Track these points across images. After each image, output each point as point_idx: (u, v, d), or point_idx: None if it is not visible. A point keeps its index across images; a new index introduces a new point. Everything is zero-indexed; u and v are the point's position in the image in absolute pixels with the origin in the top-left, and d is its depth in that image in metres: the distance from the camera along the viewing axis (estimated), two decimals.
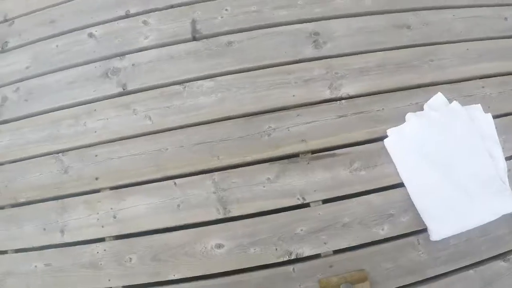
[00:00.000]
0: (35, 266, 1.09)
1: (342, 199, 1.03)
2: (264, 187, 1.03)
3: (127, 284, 1.03)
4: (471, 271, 1.00)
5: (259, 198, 1.03)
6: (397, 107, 1.08)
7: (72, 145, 1.13)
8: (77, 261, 1.06)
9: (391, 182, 1.03)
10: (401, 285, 1.00)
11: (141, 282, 1.04)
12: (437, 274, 1.01)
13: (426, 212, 1.00)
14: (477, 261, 1.01)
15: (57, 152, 1.14)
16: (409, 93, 1.10)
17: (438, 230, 1.00)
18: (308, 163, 1.04)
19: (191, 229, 1.03)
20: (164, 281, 1.02)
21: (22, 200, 1.14)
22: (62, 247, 1.09)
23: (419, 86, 1.10)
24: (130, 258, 1.03)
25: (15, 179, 1.16)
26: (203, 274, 1.01)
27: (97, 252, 1.05)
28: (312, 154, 1.05)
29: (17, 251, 1.12)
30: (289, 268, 1.00)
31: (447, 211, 0.99)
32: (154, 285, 1.04)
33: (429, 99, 1.09)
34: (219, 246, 1.02)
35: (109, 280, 1.04)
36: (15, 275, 1.11)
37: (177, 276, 1.02)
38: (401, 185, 1.03)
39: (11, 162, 1.18)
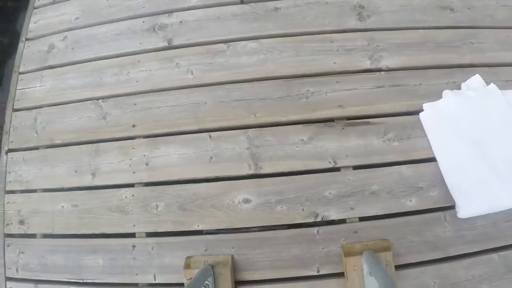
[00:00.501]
0: (62, 206, 1.03)
1: (373, 167, 0.94)
2: (297, 147, 0.95)
3: (151, 231, 0.96)
4: (494, 255, 0.91)
5: (290, 158, 0.94)
6: (434, 84, 0.99)
7: (113, 92, 1.07)
8: (104, 204, 1.00)
9: (423, 156, 0.94)
10: (423, 260, 0.91)
11: (165, 230, 0.96)
12: (460, 253, 0.92)
13: (456, 188, 0.90)
14: (502, 245, 0.92)
15: (97, 99, 1.07)
16: (447, 71, 1.01)
17: (466, 208, 0.90)
18: (343, 128, 0.95)
19: (221, 182, 0.96)
20: (188, 230, 0.95)
21: (58, 141, 1.08)
22: (91, 189, 1.02)
23: (457, 66, 1.01)
24: (157, 205, 0.96)
25: (53, 121, 1.10)
26: (228, 227, 0.94)
27: (125, 197, 0.98)
28: (347, 120, 0.96)
29: (46, 190, 1.06)
30: (314, 230, 0.92)
31: (478, 190, 0.90)
32: (178, 234, 0.96)
33: (467, 79, 0.99)
34: (247, 201, 0.94)
35: (134, 226, 0.97)
36: (41, 213, 1.05)
37: (201, 227, 0.94)
38: (432, 160, 0.94)
39: (51, 105, 1.12)
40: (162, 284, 0.96)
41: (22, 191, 1.10)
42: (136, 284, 0.98)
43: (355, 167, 0.95)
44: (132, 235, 0.98)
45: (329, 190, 0.93)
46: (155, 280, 0.96)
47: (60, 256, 1.03)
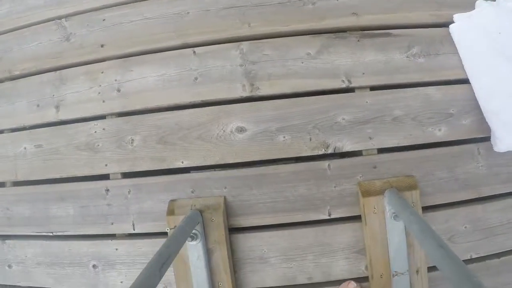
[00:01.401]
0: (25, 148, 0.72)
1: (395, 88, 0.65)
2: (302, 63, 0.64)
3: (127, 171, 0.67)
4: None
5: (295, 76, 0.64)
6: None
7: (77, 9, 0.73)
8: (71, 141, 0.69)
9: (454, 76, 0.65)
10: (453, 201, 0.64)
11: (143, 169, 0.66)
12: (494, 193, 0.65)
13: (494, 116, 0.63)
14: None
15: (60, 18, 0.74)
16: None
17: (505, 140, 0.62)
18: (358, 40, 0.65)
19: (209, 107, 0.65)
20: (170, 168, 0.65)
21: (17, 73, 0.76)
22: (55, 125, 0.71)
23: None
24: (132, 140, 0.66)
25: (11, 49, 0.77)
26: (218, 163, 0.64)
27: (95, 132, 0.68)
28: (363, 31, 0.66)
29: (6, 131, 0.76)
30: (324, 163, 0.63)
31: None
32: (159, 173, 0.66)
33: None
34: (241, 130, 0.64)
35: (106, 165, 0.67)
36: (2, 158, 0.75)
37: (186, 164, 0.65)
38: (465, 81, 0.65)
39: (8, 31, 0.79)
40: (142, 233, 0.67)
41: None
42: (114, 235, 0.69)
43: (373, 88, 0.65)
44: (105, 176, 0.68)
45: (342, 115, 0.63)
46: (134, 229, 0.66)
47: (25, 206, 0.73)
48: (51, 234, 0.73)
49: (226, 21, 0.66)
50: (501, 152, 0.65)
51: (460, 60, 0.66)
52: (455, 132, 0.65)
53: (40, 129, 0.73)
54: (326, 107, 0.64)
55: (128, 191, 0.67)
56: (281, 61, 0.64)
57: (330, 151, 0.64)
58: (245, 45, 0.65)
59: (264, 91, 0.64)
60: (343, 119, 0.64)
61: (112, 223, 0.68)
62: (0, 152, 0.76)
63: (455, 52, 0.67)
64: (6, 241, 0.76)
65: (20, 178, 0.75)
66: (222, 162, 0.64)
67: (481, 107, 0.65)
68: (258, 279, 0.65)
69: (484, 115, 0.65)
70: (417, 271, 0.62)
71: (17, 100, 0.76)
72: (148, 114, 0.67)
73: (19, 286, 0.77)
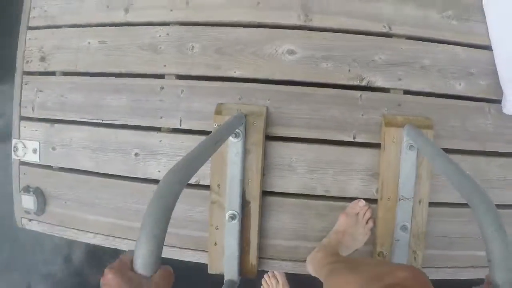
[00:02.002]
0: (89, 43, 0.81)
1: (428, 41, 0.75)
2: (352, 3, 0.74)
3: (183, 73, 0.76)
4: None
5: (343, 15, 0.74)
6: None
7: None
8: (135, 41, 0.78)
9: (480, 42, 0.75)
10: (461, 148, 0.75)
11: (198, 74, 0.76)
12: (496, 150, 0.75)
13: (508, 80, 0.72)
14: None
15: None
16: None
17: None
18: None
19: (266, 29, 0.75)
20: (223, 76, 0.75)
21: None
22: (122, 26, 0.80)
23: None
24: (193, 46, 0.75)
25: None
26: (266, 77, 0.74)
27: (159, 35, 0.77)
28: None
29: (72, 26, 0.84)
30: (357, 94, 0.74)
31: None
32: (212, 79, 0.76)
33: None
34: (291, 52, 0.74)
35: (165, 66, 0.76)
36: (65, 50, 0.84)
37: (238, 74, 0.74)
38: (488, 48, 0.75)
39: None
40: (186, 130, 0.77)
41: (46, 27, 0.86)
42: (159, 129, 0.78)
43: (409, 37, 0.75)
44: (162, 76, 0.77)
45: (379, 55, 0.73)
46: (180, 125, 0.76)
47: (80, 94, 0.82)
48: (100, 121, 0.82)
49: None
50: (509, 114, 0.76)
51: (487, 30, 0.77)
52: (472, 89, 0.76)
53: (107, 27, 0.82)
54: (366, 46, 0.74)
55: (181, 91, 0.76)
56: (334, 0, 0.75)
57: (364, 83, 0.74)
58: None
59: (316, 23, 0.74)
60: (380, 58, 0.74)
61: (161, 117, 0.77)
62: (64, 44, 0.85)
63: (484, 21, 0.77)
64: (55, 125, 0.85)
65: (80, 69, 0.83)
66: (270, 77, 0.74)
67: (498, 72, 0.76)
68: (283, 184, 0.75)
69: (500, 80, 0.75)
70: (419, 201, 0.72)
71: None
72: (211, 26, 0.76)
73: (61, 167, 0.86)
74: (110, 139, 0.81)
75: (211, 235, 0.75)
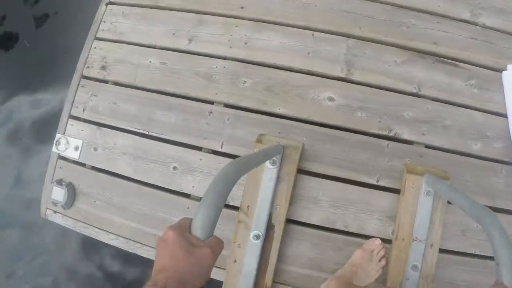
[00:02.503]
0: (150, 61, 0.92)
1: (451, 104, 0.85)
2: (389, 66, 0.86)
3: (231, 103, 0.86)
4: None
5: (381, 73, 0.85)
6: None
7: None
8: (193, 68, 0.89)
9: (496, 109, 0.86)
10: None
11: (246, 106, 0.85)
12: (505, 208, 0.83)
13: None
14: None
15: None
16: None
17: None
18: (433, 63, 0.86)
19: (312, 76, 0.86)
20: (268, 111, 0.85)
21: (162, 4, 0.97)
22: (184, 53, 0.91)
23: None
24: (245, 81, 0.86)
25: None
26: (306, 118, 0.84)
27: (216, 67, 0.88)
28: (438, 57, 0.88)
29: (138, 44, 0.95)
30: (384, 142, 0.83)
31: None
32: (258, 112, 0.85)
33: None
34: (331, 99, 0.84)
35: (216, 94, 0.86)
36: (126, 63, 0.94)
37: (281, 111, 0.84)
38: (504, 115, 0.86)
39: None
40: (226, 153, 0.86)
41: (113, 41, 0.98)
42: (200, 148, 0.87)
43: (435, 99, 0.85)
44: (212, 102, 0.87)
45: (407, 111, 0.84)
46: (221, 148, 0.85)
47: (133, 105, 0.92)
48: (146, 132, 0.90)
49: (344, 20, 0.89)
50: None
51: (504, 99, 0.88)
52: (487, 150, 0.85)
53: (169, 51, 0.93)
54: (397, 102, 0.85)
55: (228, 118, 0.86)
56: (375, 60, 0.86)
57: (391, 134, 0.83)
58: (351, 41, 0.88)
59: (356, 77, 0.86)
60: (408, 114, 0.84)
61: (204, 138, 0.86)
62: (127, 59, 0.95)
63: (502, 92, 0.88)
64: (102, 128, 0.93)
65: (138, 83, 0.93)
66: (309, 118, 0.84)
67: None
68: (307, 214, 0.82)
69: None
70: (431, 245, 0.79)
71: (156, 25, 0.96)
72: (265, 67, 0.87)
73: (98, 167, 0.93)
74: (152, 150, 0.89)
75: (232, 252, 0.81)
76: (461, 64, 0.88)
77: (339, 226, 0.82)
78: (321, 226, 0.82)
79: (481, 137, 0.85)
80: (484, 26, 0.91)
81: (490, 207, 0.86)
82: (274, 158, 0.78)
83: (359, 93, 0.84)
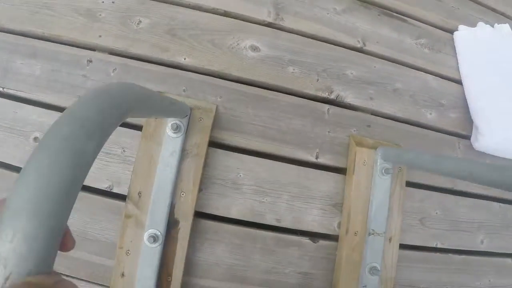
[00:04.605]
0: None
1: (401, 64, 0.72)
2: (327, 13, 0.70)
3: (119, 50, 0.62)
4: (495, 204, 0.72)
5: (318, 21, 0.69)
6: (470, 14, 0.83)
7: None
8: (72, 2, 0.64)
9: (450, 74, 0.75)
10: (430, 184, 0.68)
11: (139, 53, 0.62)
12: (465, 190, 0.71)
13: (480, 112, 0.71)
14: (506, 198, 0.73)
15: None
16: (484, 10, 0.85)
17: (485, 137, 0.70)
18: (379, 15, 0.73)
19: (230, 19, 0.66)
20: (169, 61, 0.62)
21: None
22: None
23: (493, 10, 0.86)
24: (140, 21, 0.63)
25: None
26: (221, 71, 0.63)
27: (103, 1, 0.64)
28: (384, 9, 0.75)
29: None
30: (324, 107, 0.65)
31: (503, 120, 0.71)
32: (155, 62, 0.62)
33: (498, 24, 0.85)
34: (255, 48, 0.65)
35: (100, 37, 0.62)
36: None
37: (187, 61, 0.62)
38: (458, 82, 0.75)
39: None
40: None
41: None
42: None
43: (383, 57, 0.71)
44: (93, 48, 0.62)
45: (351, 69, 0.68)
46: None
47: None
48: (1, 89, 0.62)
49: None
50: (479, 150, 0.72)
51: (457, 63, 0.77)
52: (442, 120, 0.72)
53: None
54: (338, 57, 0.68)
55: (114, 69, 0.61)
56: (310, 5, 0.69)
57: (332, 96, 0.66)
58: None
59: (287, 23, 0.67)
60: (351, 73, 0.68)
61: (79, 96, 0.61)
62: None
63: (454, 55, 0.78)
64: None
65: None
66: (225, 72, 0.63)
67: (469, 105, 0.74)
68: (223, 205, 0.59)
69: (471, 112, 0.73)
70: (390, 239, 0.62)
71: None
72: (168, 4, 0.65)
73: None
74: (6, 114, 0.61)
75: (119, 262, 0.55)
76: (409, 20, 0.76)
77: (269, 220, 0.61)
78: (244, 221, 0.60)
79: (436, 105, 0.73)
80: None
81: (449, 189, 0.74)
82: (177, 122, 0.56)
83: (291, 43, 0.66)
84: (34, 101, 0.61)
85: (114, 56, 0.62)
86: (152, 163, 0.56)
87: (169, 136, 0.56)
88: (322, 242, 0.62)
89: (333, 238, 0.63)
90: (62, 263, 0.57)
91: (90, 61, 0.62)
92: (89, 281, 0.57)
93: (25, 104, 0.61)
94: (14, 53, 0.63)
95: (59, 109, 0.61)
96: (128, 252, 0.55)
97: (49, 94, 0.61)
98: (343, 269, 0.60)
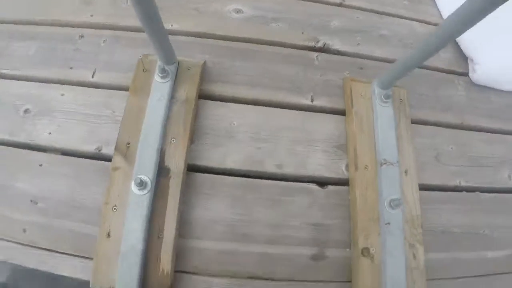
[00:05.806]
0: None
1: (383, 15, 0.73)
2: None
3: (110, 24, 0.65)
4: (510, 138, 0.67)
5: None
6: None
7: None
8: None
9: (434, 20, 0.76)
10: (438, 119, 0.65)
11: (128, 25, 0.65)
12: (477, 124, 0.66)
13: (469, 45, 0.70)
14: None
15: None
16: None
17: (480, 68, 0.68)
18: None
19: None
20: None
21: None
22: None
23: None
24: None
25: None
26: (208, 31, 0.65)
27: None
28: None
29: None
30: (313, 54, 0.66)
31: (492, 48, 0.68)
32: (143, 31, 0.57)
33: None
34: (238, 11, 0.68)
35: (92, 16, 0.66)
36: None
37: (175, 27, 0.65)
38: None
39: None
40: (98, 84, 0.60)
41: None
42: (63, 82, 0.60)
43: (365, 9, 0.73)
44: (84, 25, 0.66)
45: (334, 21, 0.70)
46: (92, 77, 0.60)
47: None
48: None
49: None
50: (479, 84, 0.70)
51: (439, 12, 0.79)
52: (435, 60, 0.71)
53: None
54: (320, 13, 0.71)
55: (104, 40, 0.64)
56: None
57: (319, 45, 0.67)
58: None
59: None
60: (335, 24, 0.70)
61: (70, 68, 0.62)
62: None
63: (434, 6, 0.80)
64: None
65: None
66: (211, 32, 0.66)
67: (458, 41, 0.73)
68: (218, 156, 0.56)
69: (461, 47, 0.72)
70: (405, 172, 0.56)
71: None
72: None
73: None
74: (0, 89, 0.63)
75: (104, 220, 0.49)
76: None
77: (268, 167, 0.57)
78: (242, 170, 0.56)
79: None
80: None
81: (459, 125, 0.69)
82: (165, 67, 0.57)
83: (273, 4, 0.69)
84: (25, 76, 0.63)
85: (106, 30, 0.66)
86: (141, 113, 0.55)
87: (156, 82, 0.56)
88: (331, 188, 0.57)
89: (343, 182, 0.57)
90: (44, 235, 0.52)
91: (82, 36, 0.65)
92: (73, 254, 0.51)
93: (17, 81, 0.62)
94: (9, 38, 0.67)
95: (50, 80, 0.62)
96: (114, 208, 0.50)
97: (40, 69, 0.63)
98: (359, 211, 0.53)
